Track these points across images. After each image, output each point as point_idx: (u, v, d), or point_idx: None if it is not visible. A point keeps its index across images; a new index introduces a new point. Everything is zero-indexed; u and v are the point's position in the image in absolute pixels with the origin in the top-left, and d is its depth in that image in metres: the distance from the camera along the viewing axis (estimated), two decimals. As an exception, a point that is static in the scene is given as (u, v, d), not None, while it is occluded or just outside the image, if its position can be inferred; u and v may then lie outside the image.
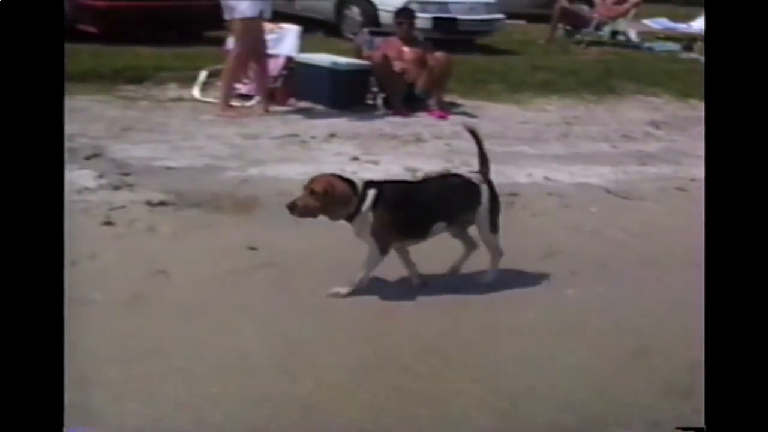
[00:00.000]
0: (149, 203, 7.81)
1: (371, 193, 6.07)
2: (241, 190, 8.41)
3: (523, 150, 10.79)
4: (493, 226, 6.50)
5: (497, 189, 6.54)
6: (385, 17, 16.49)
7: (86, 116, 11.19)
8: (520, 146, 10.99)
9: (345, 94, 12.47)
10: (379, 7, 17.36)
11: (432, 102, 12.57)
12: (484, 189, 6.42)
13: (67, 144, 9.54)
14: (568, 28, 20.41)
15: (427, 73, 12.56)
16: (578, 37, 20.02)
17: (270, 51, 12.27)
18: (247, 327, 5.71)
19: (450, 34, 17.07)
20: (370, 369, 5.34)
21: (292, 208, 6.02)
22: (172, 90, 13.00)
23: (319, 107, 12.30)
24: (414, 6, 15.07)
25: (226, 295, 6.12)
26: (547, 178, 9.54)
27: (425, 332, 5.78)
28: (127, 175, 8.65)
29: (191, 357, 5.26)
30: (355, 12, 17.94)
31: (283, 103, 12.42)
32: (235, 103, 12.07)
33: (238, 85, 12.25)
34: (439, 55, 12.74)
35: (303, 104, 12.46)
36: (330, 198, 5.98)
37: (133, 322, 5.69)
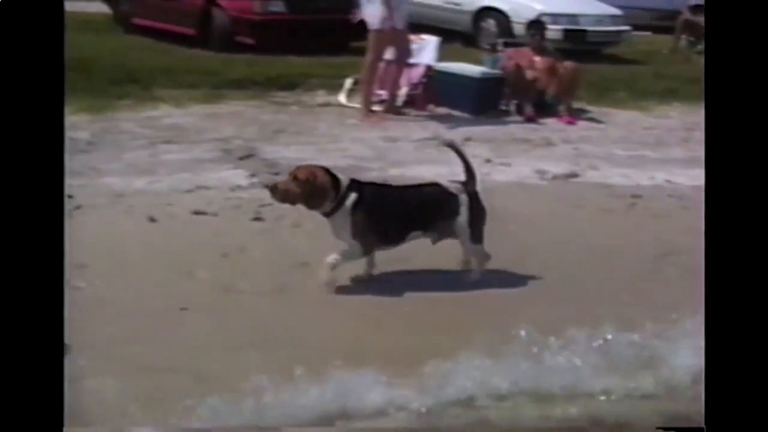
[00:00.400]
0: (296, 201, 7.78)
1: (353, 194, 5.90)
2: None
3: (646, 154, 10.59)
4: (475, 237, 6.22)
5: (482, 201, 6.32)
6: (518, 29, 16.41)
7: (241, 120, 11.31)
8: (643, 150, 10.78)
9: (485, 101, 12.40)
10: (513, 19, 17.25)
11: (561, 108, 12.40)
12: (463, 200, 6.15)
13: (222, 145, 9.68)
14: (691, 39, 19.98)
15: (557, 82, 12.43)
16: (700, 47, 19.53)
17: (410, 60, 12.24)
18: (381, 318, 5.66)
19: (579, 45, 16.90)
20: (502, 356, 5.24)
21: (273, 189, 5.92)
22: (321, 96, 13.04)
23: (456, 113, 12.22)
24: (545, 18, 14.94)
25: (362, 287, 6.09)
26: (668, 181, 9.33)
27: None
28: (277, 174, 8.64)
29: (325, 344, 5.24)
30: (490, 24, 17.83)
31: (422, 108, 12.37)
32: (377, 108, 12.05)
33: (379, 92, 12.22)
34: (568, 64, 12.63)
35: (441, 110, 12.38)
36: (311, 186, 5.82)
37: (275, 310, 5.70)
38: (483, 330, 5.44)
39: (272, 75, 13.69)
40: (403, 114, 12.05)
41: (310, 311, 5.73)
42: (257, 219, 7.30)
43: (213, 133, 10.42)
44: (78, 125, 10.61)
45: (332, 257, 5.95)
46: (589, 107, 13.19)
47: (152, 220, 7.15)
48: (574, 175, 9.31)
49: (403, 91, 12.32)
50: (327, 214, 5.94)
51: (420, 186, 6.46)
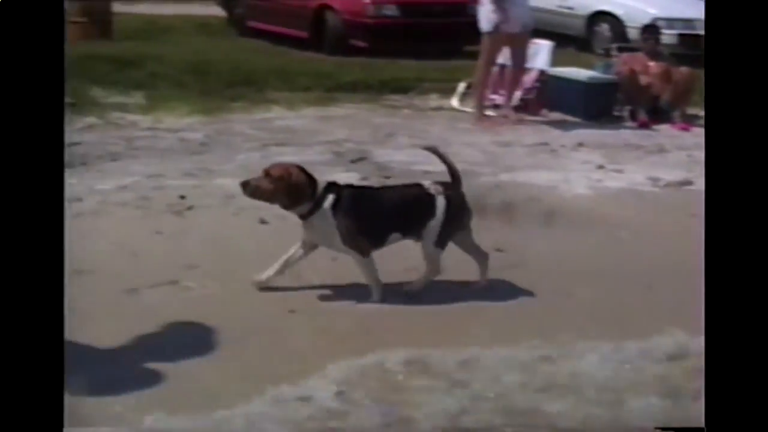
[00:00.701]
0: (407, 205, 7.74)
1: (330, 195, 5.66)
2: (492, 195, 8.27)
3: (763, 161, 10.35)
4: (439, 241, 5.88)
5: (467, 204, 6.07)
6: (633, 33, 16.18)
7: (354, 122, 11.36)
8: (760, 157, 10.54)
9: (596, 106, 12.27)
10: (627, 23, 17.06)
11: (675, 114, 12.20)
12: (440, 202, 5.84)
13: (334, 148, 9.71)
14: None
15: (672, 87, 12.24)
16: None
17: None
18: (487, 325, 5.57)
19: (694, 50, 16.59)
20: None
21: (245, 185, 5.69)
22: (433, 100, 13.05)
23: (569, 118, 12.10)
24: (660, 23, 14.72)
25: (471, 294, 5.99)
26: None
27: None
28: (388, 177, 8.63)
29: (425, 350, 5.13)
30: (604, 28, 17.66)
31: (535, 113, 12.29)
32: (490, 112, 11.96)
33: (493, 96, 12.15)
34: (683, 69, 12.42)
35: (554, 115, 12.26)
36: (284, 184, 5.58)
37: (382, 314, 5.66)
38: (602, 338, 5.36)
39: (385, 78, 13.73)
40: (516, 119, 11.94)
41: (418, 314, 5.67)
42: (368, 222, 7.26)
43: (325, 135, 10.44)
44: (192, 127, 10.75)
45: (374, 294, 5.82)
46: (703, 113, 12.96)
47: (263, 222, 7.14)
48: (688, 183, 9.10)
49: (516, 96, 12.24)
50: (303, 217, 5.72)
51: (399, 187, 6.26)
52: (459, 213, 5.98)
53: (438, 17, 16.35)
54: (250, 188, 5.70)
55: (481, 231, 7.00)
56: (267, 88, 12.94)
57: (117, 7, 17.52)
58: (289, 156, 9.32)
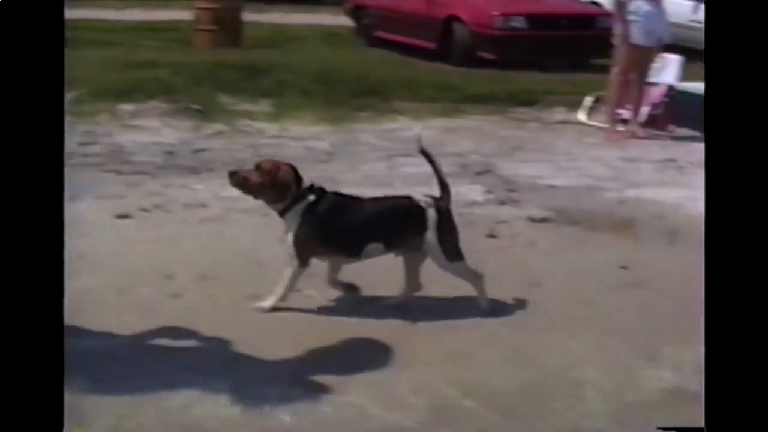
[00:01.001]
0: (531, 219, 7.74)
1: (310, 196, 5.57)
2: (618, 211, 8.22)
3: None
4: (450, 255, 5.71)
5: (454, 219, 5.81)
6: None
7: (479, 135, 11.37)
8: None
9: (722, 122, 12.05)
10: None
11: (809, 132, 11.92)
12: (431, 214, 5.66)
13: (460, 160, 9.69)
14: None
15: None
16: None
17: (652, 79, 12.02)
18: (609, 344, 5.48)
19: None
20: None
21: (233, 175, 5.62)
22: (560, 113, 12.95)
23: (698, 133, 11.90)
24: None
25: (593, 311, 5.90)
26: None
27: None
28: (513, 191, 8.61)
29: (559, 367, 5.09)
30: (735, 43, 17.35)
31: (663, 128, 12.13)
32: (620, 127, 11.85)
33: (620, 111, 12.02)
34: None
35: (682, 131, 12.07)
36: (271, 179, 5.51)
37: (506, 329, 5.59)
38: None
39: (512, 90, 13.69)
40: (644, 134, 11.81)
41: (542, 332, 5.57)
42: (491, 236, 7.22)
43: (451, 147, 10.41)
44: (318, 135, 10.83)
45: (278, 294, 5.68)
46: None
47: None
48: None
49: (644, 111, 12.10)
50: (281, 213, 5.65)
51: (385, 198, 6.10)
52: (451, 225, 5.82)
53: (565, 30, 16.31)
54: (237, 178, 5.66)
55: (605, 247, 6.96)
56: (393, 99, 12.97)
57: (247, 16, 17.76)
58: (413, 167, 9.35)
